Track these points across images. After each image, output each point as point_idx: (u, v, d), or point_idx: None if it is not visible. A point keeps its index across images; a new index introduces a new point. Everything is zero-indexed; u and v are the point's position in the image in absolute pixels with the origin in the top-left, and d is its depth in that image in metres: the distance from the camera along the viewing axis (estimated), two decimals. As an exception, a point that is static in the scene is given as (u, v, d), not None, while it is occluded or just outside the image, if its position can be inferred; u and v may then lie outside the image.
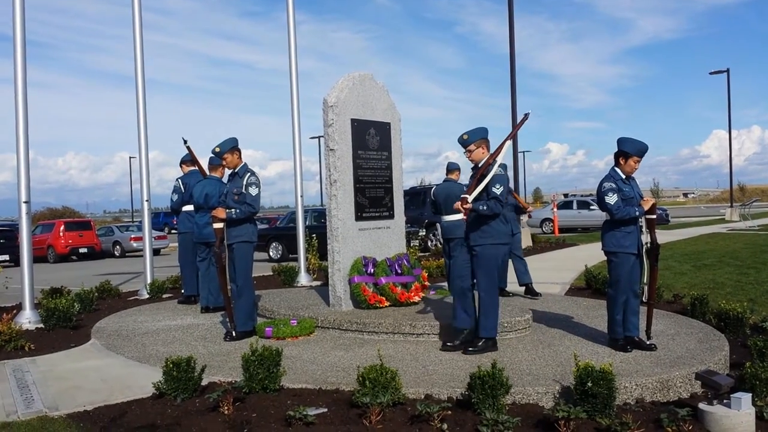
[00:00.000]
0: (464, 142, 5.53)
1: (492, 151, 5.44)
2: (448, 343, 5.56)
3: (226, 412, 3.97)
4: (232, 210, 6.22)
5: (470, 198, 5.26)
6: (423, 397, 4.32)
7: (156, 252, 23.97)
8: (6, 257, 20.87)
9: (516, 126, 5.94)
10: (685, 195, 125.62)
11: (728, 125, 33.59)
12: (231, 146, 6.40)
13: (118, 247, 25.65)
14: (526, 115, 5.69)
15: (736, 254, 13.61)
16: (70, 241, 24.21)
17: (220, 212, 6.19)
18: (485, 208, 5.25)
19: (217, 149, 6.41)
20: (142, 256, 10.57)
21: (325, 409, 4.04)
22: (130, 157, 54.78)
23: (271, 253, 18.51)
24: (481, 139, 5.50)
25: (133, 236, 25.18)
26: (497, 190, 5.26)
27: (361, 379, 4.12)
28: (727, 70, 32.52)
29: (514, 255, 8.41)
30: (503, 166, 5.61)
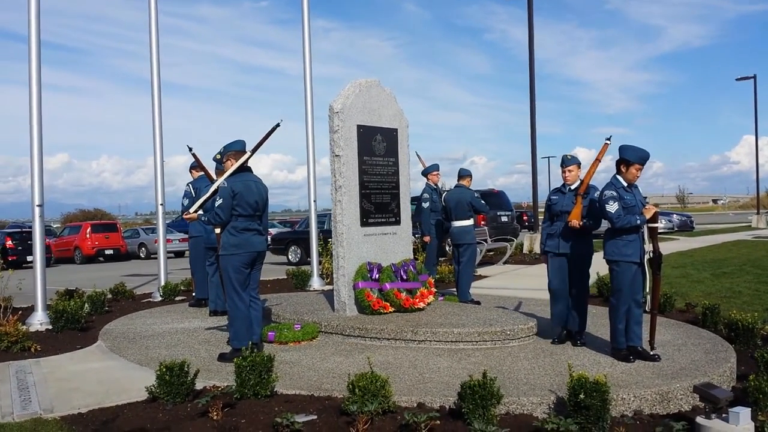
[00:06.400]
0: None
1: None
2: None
3: (215, 417, 3.98)
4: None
5: (193, 208, 5.96)
6: (416, 405, 4.28)
7: (180, 254, 24.20)
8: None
9: (263, 138, 5.98)
10: (715, 201, 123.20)
11: (755, 132, 32.95)
12: (229, 151, 6.42)
13: (143, 248, 25.94)
14: (277, 125, 5.87)
15: (758, 262, 13.28)
16: (96, 243, 24.57)
17: (193, 216, 6.07)
18: (205, 219, 5.71)
19: (218, 156, 6.44)
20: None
21: (315, 416, 4.01)
22: (162, 161, 55.68)
23: (290, 257, 18.57)
24: (230, 153, 5.97)
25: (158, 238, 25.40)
26: (216, 202, 5.57)
27: (351, 386, 4.08)
28: (754, 76, 31.88)
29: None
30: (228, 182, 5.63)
